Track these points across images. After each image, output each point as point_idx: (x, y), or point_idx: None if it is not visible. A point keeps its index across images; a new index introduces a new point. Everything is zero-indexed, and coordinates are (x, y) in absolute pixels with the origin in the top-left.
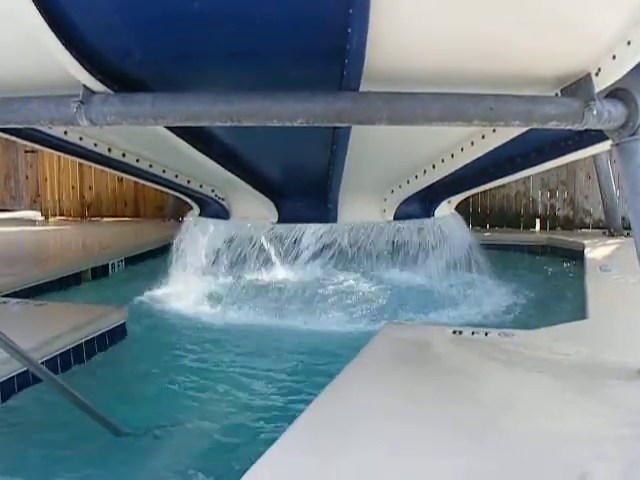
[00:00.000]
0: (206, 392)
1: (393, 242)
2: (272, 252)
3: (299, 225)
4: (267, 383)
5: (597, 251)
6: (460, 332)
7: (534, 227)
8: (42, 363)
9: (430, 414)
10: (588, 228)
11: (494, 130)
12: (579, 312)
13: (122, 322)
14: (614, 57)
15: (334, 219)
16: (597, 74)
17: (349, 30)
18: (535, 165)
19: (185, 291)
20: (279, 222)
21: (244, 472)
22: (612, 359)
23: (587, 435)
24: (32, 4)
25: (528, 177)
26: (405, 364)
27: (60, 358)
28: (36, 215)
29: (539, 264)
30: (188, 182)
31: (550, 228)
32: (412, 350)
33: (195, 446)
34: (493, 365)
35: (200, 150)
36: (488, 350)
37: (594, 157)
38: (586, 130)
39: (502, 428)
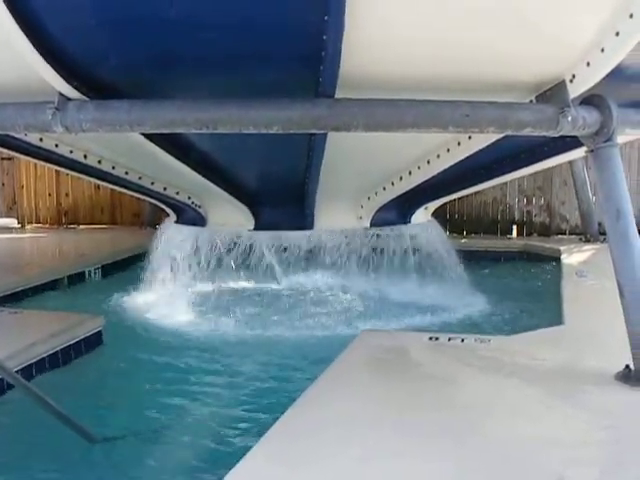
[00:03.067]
0: (182, 400)
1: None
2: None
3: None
4: (244, 390)
5: (573, 257)
6: (436, 338)
7: (511, 233)
8: (17, 371)
9: (406, 420)
10: (564, 234)
11: (470, 137)
12: (555, 318)
13: (98, 330)
14: (588, 64)
15: (311, 226)
16: (572, 81)
17: (324, 37)
18: (511, 171)
19: (161, 299)
20: (255, 229)
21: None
22: (588, 364)
23: (564, 439)
24: (5, 8)
25: (505, 183)
26: (381, 371)
27: (35, 366)
28: (12, 222)
29: (516, 270)
30: (164, 189)
31: (527, 234)
32: (388, 357)
33: (169, 453)
34: (470, 371)
35: (176, 157)
36: (465, 356)
37: (570, 163)
38: (561, 136)
39: (479, 433)
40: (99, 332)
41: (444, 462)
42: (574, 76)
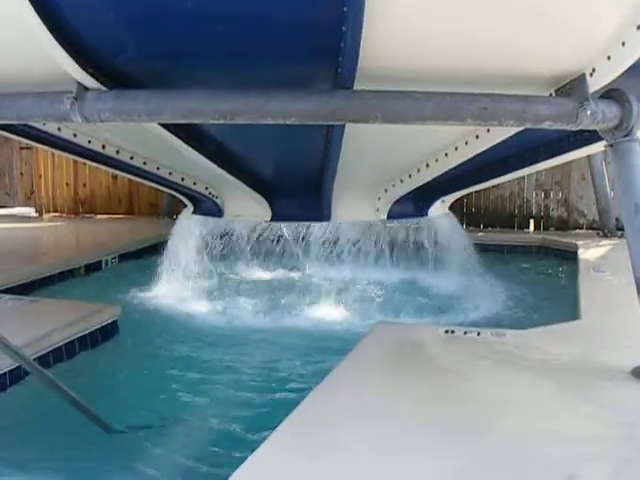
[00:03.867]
0: (198, 389)
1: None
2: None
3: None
4: (259, 379)
5: (590, 252)
6: (452, 331)
7: (528, 227)
8: (34, 359)
9: (420, 414)
10: (582, 229)
11: (488, 130)
12: (572, 313)
13: (115, 319)
14: (609, 58)
15: (327, 217)
16: (592, 74)
17: (343, 28)
18: (529, 165)
19: (177, 288)
20: (272, 220)
21: (234, 470)
22: (604, 360)
23: (577, 435)
24: (27, 1)
25: (522, 177)
26: (396, 364)
27: (52, 354)
28: (30, 212)
29: (533, 264)
30: (182, 180)
31: (544, 229)
32: (404, 350)
33: (187, 443)
34: (485, 365)
35: (194, 148)
36: (480, 350)
37: (588, 158)
38: (580, 130)
39: (492, 428)
40: (115, 321)
41: (456, 456)
42: (594, 70)
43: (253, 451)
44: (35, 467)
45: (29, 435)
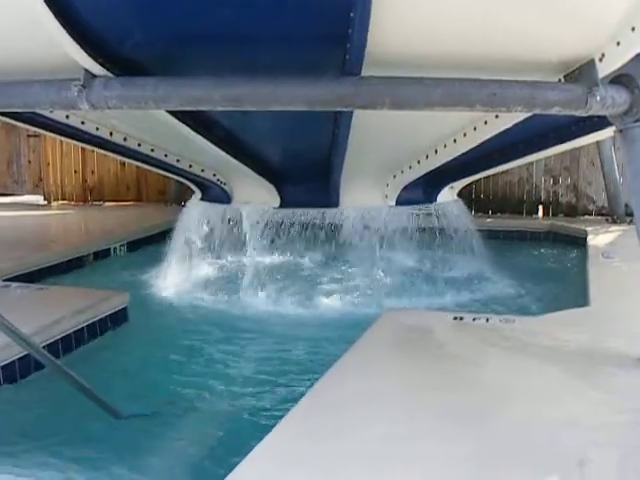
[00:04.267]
0: (208, 375)
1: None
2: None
3: None
4: (269, 366)
5: (600, 238)
6: (461, 318)
7: (537, 213)
8: (43, 347)
9: (429, 400)
10: (591, 215)
11: (497, 116)
12: (581, 299)
13: (124, 306)
14: (618, 43)
15: (336, 204)
16: (601, 60)
17: (351, 14)
18: (538, 151)
19: (187, 275)
20: (281, 206)
21: (244, 456)
22: (613, 346)
23: (587, 421)
24: None
25: (531, 163)
26: (405, 350)
27: (61, 342)
28: (38, 199)
29: (541, 250)
30: (190, 166)
31: (553, 214)
32: (412, 336)
33: (196, 429)
34: (494, 351)
35: (202, 134)
36: (489, 336)
37: (598, 143)
38: (590, 116)
39: (501, 414)
40: (125, 308)
41: (465, 443)
42: (603, 55)
43: (263, 437)
44: (42, 453)
45: (38, 421)
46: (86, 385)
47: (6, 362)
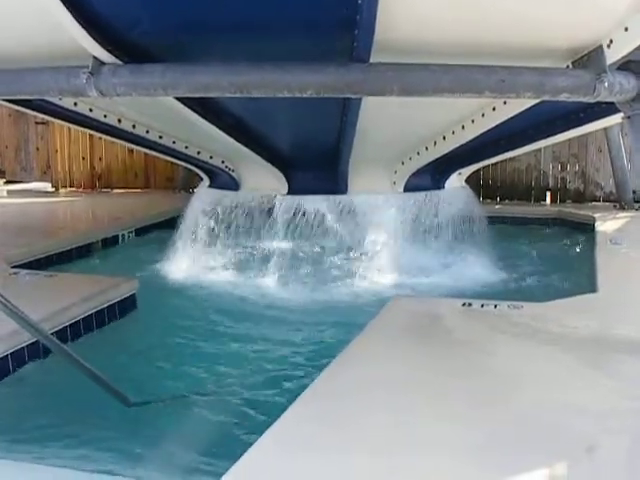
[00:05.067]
0: (217, 362)
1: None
2: None
3: None
4: (279, 352)
5: (607, 224)
6: (469, 304)
7: (545, 200)
8: (52, 334)
9: (438, 386)
10: (599, 201)
11: (505, 102)
12: (589, 285)
13: (132, 293)
14: (626, 29)
15: (344, 191)
16: (609, 46)
17: (359, 1)
18: (546, 137)
19: (195, 261)
20: (289, 193)
21: (253, 443)
22: (621, 332)
23: (595, 408)
24: None
25: (539, 150)
26: (413, 336)
27: (70, 329)
28: (46, 186)
29: (549, 237)
30: (198, 153)
31: (561, 201)
32: (421, 322)
33: (206, 416)
34: (502, 338)
35: (210, 121)
36: (497, 322)
37: (605, 130)
38: (598, 103)
39: (510, 400)
40: (133, 295)
41: (474, 429)
42: (611, 41)
43: (272, 423)
44: (54, 440)
45: (48, 409)
46: (95, 371)
47: None
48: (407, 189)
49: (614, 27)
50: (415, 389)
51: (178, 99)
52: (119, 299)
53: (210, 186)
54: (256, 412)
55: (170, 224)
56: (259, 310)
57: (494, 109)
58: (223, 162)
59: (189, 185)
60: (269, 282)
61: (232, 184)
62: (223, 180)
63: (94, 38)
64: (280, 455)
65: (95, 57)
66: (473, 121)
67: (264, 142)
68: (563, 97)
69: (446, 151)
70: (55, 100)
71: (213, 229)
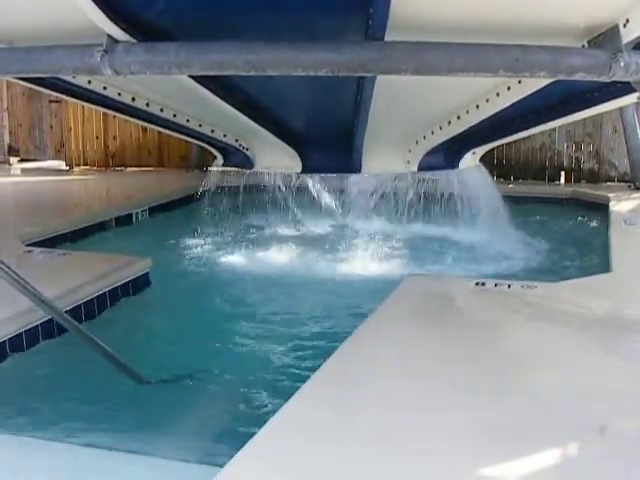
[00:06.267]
0: (230, 341)
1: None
2: None
3: None
4: (295, 332)
5: (622, 204)
6: (483, 284)
7: (559, 180)
8: (66, 312)
9: (451, 367)
10: (613, 181)
11: (519, 81)
12: (603, 265)
13: (146, 271)
14: None
15: (358, 169)
16: (625, 25)
17: None
18: (560, 117)
19: (209, 240)
20: (303, 172)
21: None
22: (635, 312)
23: (608, 389)
24: None
25: (553, 129)
26: (427, 316)
27: (84, 307)
28: (60, 165)
29: (563, 217)
30: (212, 131)
31: (575, 181)
32: (434, 302)
33: (221, 394)
34: (515, 318)
35: (224, 99)
36: (511, 302)
37: (620, 110)
38: (613, 82)
39: (523, 380)
40: (147, 273)
41: (487, 410)
42: (628, 20)
43: (283, 404)
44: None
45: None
46: (109, 350)
47: None
48: (421, 168)
49: (630, 6)
50: (426, 372)
51: (192, 77)
52: (133, 277)
53: (224, 165)
54: (267, 394)
55: (184, 202)
56: (275, 289)
57: (509, 88)
58: (237, 140)
59: (202, 163)
60: (287, 259)
61: (246, 162)
62: (237, 158)
63: (108, 16)
64: (287, 441)
65: (109, 35)
66: (488, 100)
67: (278, 120)
68: (578, 77)
69: (461, 130)
70: (69, 78)
71: (229, 206)
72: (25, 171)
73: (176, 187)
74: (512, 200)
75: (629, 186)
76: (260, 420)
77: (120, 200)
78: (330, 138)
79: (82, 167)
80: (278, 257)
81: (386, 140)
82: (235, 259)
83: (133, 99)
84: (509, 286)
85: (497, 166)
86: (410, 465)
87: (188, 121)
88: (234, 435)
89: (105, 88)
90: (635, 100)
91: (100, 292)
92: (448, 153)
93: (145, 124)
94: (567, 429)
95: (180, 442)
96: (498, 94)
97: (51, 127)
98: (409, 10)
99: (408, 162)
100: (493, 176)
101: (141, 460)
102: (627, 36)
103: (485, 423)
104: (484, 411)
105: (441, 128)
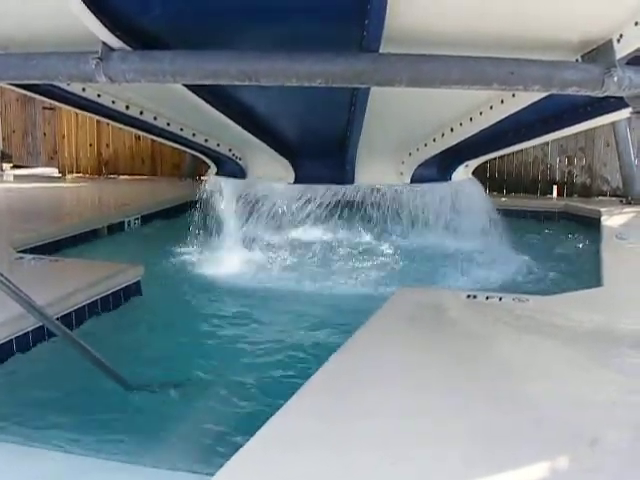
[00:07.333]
0: (220, 349)
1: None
2: None
3: None
4: (284, 341)
5: (614, 219)
6: (474, 297)
7: (551, 194)
8: (57, 319)
9: (442, 378)
10: (605, 196)
11: (513, 95)
12: (594, 279)
13: (138, 279)
14: (636, 24)
15: (351, 180)
16: (619, 40)
17: None
18: (553, 131)
19: (201, 249)
20: (295, 182)
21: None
22: (626, 326)
23: (599, 401)
24: None
25: (546, 143)
26: (418, 328)
27: (75, 314)
28: (53, 172)
29: (555, 231)
30: (205, 140)
31: (567, 195)
32: (425, 314)
33: (208, 402)
34: (506, 330)
35: (218, 108)
36: (502, 315)
37: (613, 124)
38: (606, 97)
39: (514, 393)
40: (138, 281)
41: (478, 421)
42: (621, 36)
43: (273, 414)
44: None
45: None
46: (98, 356)
47: None
48: (414, 180)
49: (624, 21)
50: (418, 383)
51: (187, 86)
52: (124, 285)
53: (217, 174)
54: (257, 403)
55: (176, 211)
56: (267, 298)
57: (502, 102)
58: (230, 150)
59: (195, 173)
60: (278, 270)
61: (239, 172)
62: (230, 168)
63: (104, 24)
64: (278, 450)
65: (104, 43)
66: (481, 113)
67: (271, 131)
68: (571, 91)
69: (454, 143)
70: (63, 85)
71: (221, 216)
72: (18, 178)
73: (169, 196)
74: (505, 213)
75: (621, 201)
76: (248, 430)
77: (113, 208)
78: (323, 149)
79: (75, 174)
80: (273, 265)
81: (379, 151)
82: (229, 269)
83: (127, 107)
84: (500, 299)
85: (490, 179)
86: (402, 474)
87: (182, 130)
88: (221, 443)
89: (99, 96)
90: (628, 115)
91: (91, 299)
92: (441, 165)
93: (139, 132)
94: (558, 440)
95: (164, 450)
96: (492, 107)
97: (44, 134)
98: (404, 22)
99: (401, 174)
100: (485, 189)
101: (126, 469)
102: (621, 51)
103: (475, 431)
104: (474, 420)
105: (434, 140)
